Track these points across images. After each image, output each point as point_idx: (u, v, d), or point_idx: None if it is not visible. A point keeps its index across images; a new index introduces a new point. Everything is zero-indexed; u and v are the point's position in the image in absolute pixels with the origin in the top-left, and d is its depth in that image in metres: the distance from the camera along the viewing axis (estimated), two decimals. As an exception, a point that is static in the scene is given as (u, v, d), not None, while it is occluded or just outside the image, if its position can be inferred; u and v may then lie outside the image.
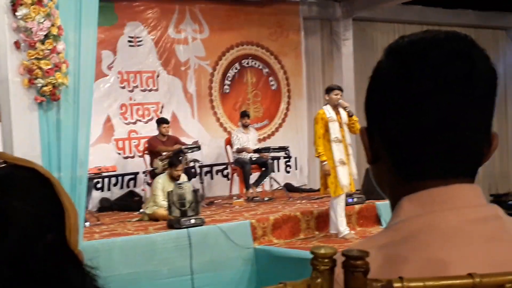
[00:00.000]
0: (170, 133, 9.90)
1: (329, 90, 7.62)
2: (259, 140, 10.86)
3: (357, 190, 8.33)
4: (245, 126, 10.17)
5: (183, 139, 10.24)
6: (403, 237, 0.95)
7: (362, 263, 0.86)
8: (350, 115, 7.41)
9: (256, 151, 9.99)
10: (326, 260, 0.88)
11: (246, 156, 9.95)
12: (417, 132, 0.95)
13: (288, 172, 11.58)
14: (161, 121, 9.61)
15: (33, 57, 5.26)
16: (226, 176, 10.86)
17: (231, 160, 10.29)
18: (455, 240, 0.93)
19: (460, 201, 0.96)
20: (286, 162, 11.53)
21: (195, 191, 7.44)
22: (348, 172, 7.39)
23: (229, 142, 10.34)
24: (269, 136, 11.55)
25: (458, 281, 0.87)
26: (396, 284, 0.86)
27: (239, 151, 9.92)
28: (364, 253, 0.86)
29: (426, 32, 1.00)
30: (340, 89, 7.66)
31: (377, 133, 1.01)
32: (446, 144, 0.95)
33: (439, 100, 0.94)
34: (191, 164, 9.49)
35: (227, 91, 11.27)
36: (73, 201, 1.00)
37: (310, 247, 0.88)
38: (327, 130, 7.38)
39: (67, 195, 0.99)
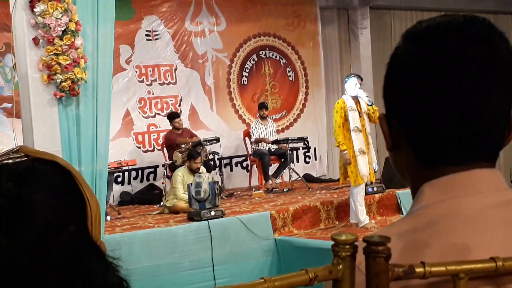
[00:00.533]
0: (187, 127, 9.95)
1: (348, 78, 7.64)
2: (278, 131, 10.85)
3: (377, 180, 8.30)
4: (263, 118, 10.17)
5: (202, 131, 10.28)
6: (425, 223, 0.94)
7: (384, 249, 0.86)
8: (370, 105, 7.39)
9: (274, 142, 9.99)
10: (348, 247, 0.88)
11: (265, 147, 9.96)
12: (437, 118, 0.95)
13: (307, 162, 11.57)
14: (172, 116, 9.61)
15: (51, 53, 5.30)
16: (245, 168, 10.87)
17: (250, 152, 10.29)
18: (478, 225, 0.92)
19: (481, 186, 0.96)
20: (305, 152, 11.51)
21: (213, 183, 7.45)
22: (368, 162, 7.38)
23: (247, 134, 10.35)
24: (287, 127, 11.53)
25: (480, 265, 0.87)
26: (418, 269, 0.86)
27: (257, 141, 9.92)
28: (385, 238, 0.86)
29: (443, 16, 0.99)
30: (359, 77, 7.64)
31: (397, 119, 1.00)
32: (466, 129, 0.95)
33: (458, 84, 0.93)
34: (210, 156, 9.52)
35: (245, 82, 11.27)
36: (93, 192, 1.01)
37: (330, 237, 0.88)
38: (346, 119, 7.37)
39: (88, 187, 0.99)
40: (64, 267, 0.89)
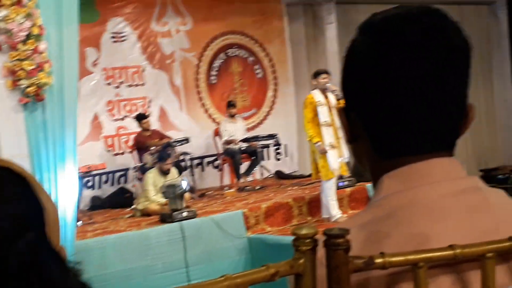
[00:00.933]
0: (158, 128, 9.90)
1: (316, 75, 7.68)
2: (248, 129, 10.85)
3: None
4: (232, 116, 10.17)
5: (173, 132, 10.23)
6: (385, 214, 0.95)
7: (343, 241, 0.86)
8: (338, 99, 7.44)
9: (244, 140, 10.00)
10: (308, 241, 0.89)
11: (235, 146, 9.95)
12: (393, 109, 0.96)
13: (278, 159, 11.58)
14: (140, 117, 9.56)
15: (15, 59, 5.23)
16: (217, 167, 10.85)
17: (221, 151, 10.28)
18: (436, 214, 0.93)
19: (438, 175, 0.97)
20: (276, 149, 11.53)
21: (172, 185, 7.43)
22: (338, 156, 7.43)
23: (217, 133, 10.33)
24: (257, 125, 11.52)
25: (439, 253, 0.88)
26: (377, 260, 0.87)
27: (227, 143, 9.92)
28: (344, 231, 0.87)
29: (398, 7, 1.00)
30: (327, 72, 7.69)
31: (355, 112, 1.01)
32: (424, 119, 0.96)
33: (416, 75, 0.94)
34: (181, 157, 9.48)
35: (214, 81, 11.24)
36: (50, 197, 0.99)
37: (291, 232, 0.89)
38: (316, 114, 7.42)
39: (45, 192, 0.98)
40: (22, 275, 0.88)
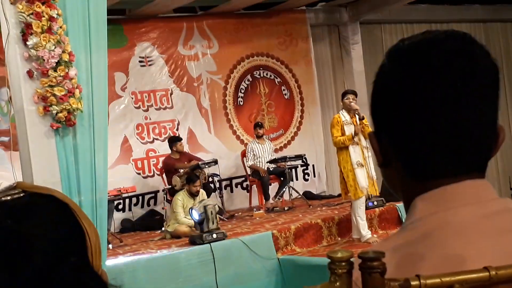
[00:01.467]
0: (186, 150, 9.97)
1: (343, 95, 7.74)
2: (276, 150, 10.87)
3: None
4: (259, 137, 10.20)
5: (201, 154, 10.29)
6: (419, 236, 0.96)
7: (379, 264, 0.87)
8: (360, 119, 7.45)
9: (272, 161, 10.01)
10: (343, 264, 0.90)
11: (263, 166, 9.98)
12: (425, 133, 0.97)
13: (306, 180, 11.56)
14: (174, 140, 9.66)
15: (46, 85, 5.33)
16: (245, 188, 10.85)
17: (249, 172, 10.31)
18: (470, 236, 0.94)
19: (471, 197, 0.97)
20: (304, 170, 11.51)
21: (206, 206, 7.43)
22: (366, 174, 7.41)
23: (245, 155, 10.37)
24: (285, 146, 11.52)
25: (474, 275, 0.88)
26: (413, 282, 0.88)
27: (253, 168, 9.97)
28: (379, 253, 0.88)
29: (425, 33, 1.02)
30: (353, 93, 7.71)
31: (386, 136, 1.02)
32: (455, 142, 0.97)
33: (444, 99, 0.95)
34: (210, 179, 9.52)
35: (241, 103, 11.29)
36: (93, 224, 1.02)
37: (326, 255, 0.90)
38: (343, 133, 7.45)
39: (87, 218, 1.01)
40: None
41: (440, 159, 0.98)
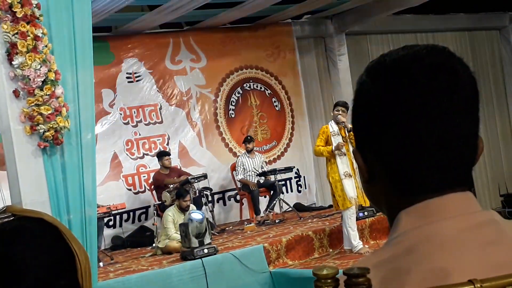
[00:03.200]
0: (178, 164, 9.98)
1: (334, 107, 7.79)
2: (270, 162, 10.90)
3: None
4: (249, 151, 10.21)
5: (193, 168, 10.30)
6: (404, 250, 0.96)
7: (364, 280, 0.87)
8: (348, 131, 7.48)
9: (262, 174, 10.03)
10: (329, 281, 0.90)
11: (253, 179, 9.98)
12: (410, 150, 0.97)
13: (300, 191, 11.56)
14: (162, 154, 9.68)
15: (33, 104, 5.31)
16: (239, 201, 10.86)
17: (239, 186, 10.31)
18: (454, 249, 0.94)
19: (455, 210, 0.98)
20: (297, 182, 11.52)
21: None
22: (354, 185, 7.43)
23: (234, 169, 10.37)
24: (278, 157, 11.54)
25: (459, 288, 0.89)
26: (398, 297, 0.88)
27: (242, 182, 9.98)
28: (364, 269, 0.88)
29: (405, 48, 1.02)
30: (343, 105, 7.72)
31: (371, 153, 1.02)
32: (440, 158, 0.97)
33: (429, 114, 0.96)
34: (203, 192, 9.52)
35: (233, 115, 11.31)
36: (83, 245, 1.02)
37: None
38: (328, 144, 7.48)
39: (76, 240, 1.01)
40: None
41: (425, 174, 0.98)
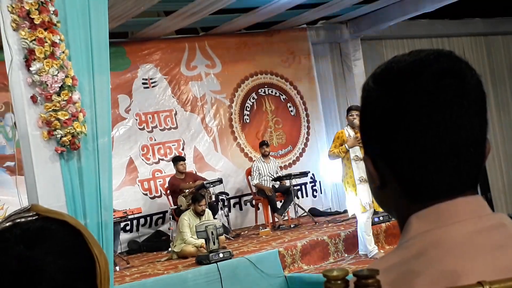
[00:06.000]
0: (194, 170, 10.02)
1: (347, 111, 7.77)
2: (285, 167, 10.90)
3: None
4: (265, 156, 10.22)
5: (209, 173, 10.32)
6: (414, 254, 0.97)
7: (373, 281, 0.89)
8: None
9: (277, 179, 10.04)
10: (339, 282, 0.91)
11: (268, 184, 10.00)
12: (421, 155, 0.98)
13: (315, 196, 11.55)
14: (177, 159, 9.72)
15: (50, 109, 5.35)
16: (254, 206, 10.85)
17: (254, 191, 10.32)
18: (464, 252, 0.95)
19: (465, 213, 0.98)
20: (312, 187, 11.51)
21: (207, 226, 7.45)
22: (369, 190, 7.40)
23: (249, 173, 10.38)
24: (294, 162, 11.54)
25: (469, 290, 0.90)
26: (408, 299, 0.89)
27: (258, 187, 10.00)
28: (374, 271, 0.89)
29: (411, 54, 1.03)
30: (357, 109, 7.70)
31: (381, 159, 1.03)
32: (451, 162, 0.98)
33: (438, 120, 0.97)
34: (219, 197, 9.55)
35: (248, 121, 11.32)
36: (102, 249, 1.04)
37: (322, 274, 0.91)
38: (347, 150, 7.48)
39: (97, 245, 1.02)
40: None
41: (436, 179, 0.99)
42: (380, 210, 7.95)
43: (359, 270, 0.90)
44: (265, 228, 9.53)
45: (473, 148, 0.99)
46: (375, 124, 1.03)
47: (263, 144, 10.31)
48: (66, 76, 5.39)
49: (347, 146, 7.41)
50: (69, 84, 5.41)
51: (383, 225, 8.25)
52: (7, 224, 0.99)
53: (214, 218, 8.64)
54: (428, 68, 0.99)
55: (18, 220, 0.99)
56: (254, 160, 10.55)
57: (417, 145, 0.98)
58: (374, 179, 1.05)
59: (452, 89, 0.97)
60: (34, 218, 1.00)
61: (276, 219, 9.79)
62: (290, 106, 11.73)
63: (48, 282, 0.92)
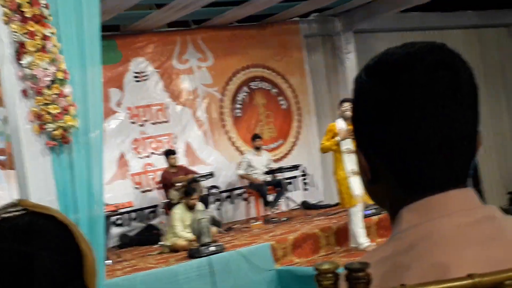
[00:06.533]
0: (185, 163, 10.01)
1: (339, 103, 7.78)
2: (276, 160, 10.89)
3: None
4: (257, 149, 10.22)
5: (200, 166, 10.32)
6: (405, 247, 0.97)
7: (364, 275, 0.89)
8: None
9: (269, 172, 10.05)
10: (329, 275, 0.91)
11: (260, 178, 10.01)
12: (413, 147, 0.98)
13: (306, 190, 11.57)
14: (168, 153, 9.72)
15: (41, 103, 5.33)
16: (246, 199, 10.87)
17: (245, 184, 10.34)
18: (454, 244, 0.95)
19: (455, 206, 0.98)
20: (303, 180, 11.53)
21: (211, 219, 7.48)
22: (361, 183, 7.42)
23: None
24: (285, 155, 11.55)
25: (458, 283, 0.89)
26: (398, 292, 0.89)
27: (244, 178, 10.00)
28: (364, 264, 0.90)
29: (404, 47, 1.02)
30: (350, 101, 7.69)
31: (373, 152, 1.03)
32: (443, 155, 0.98)
33: (431, 113, 0.96)
34: (210, 191, 9.56)
35: (239, 114, 11.33)
36: (90, 245, 1.03)
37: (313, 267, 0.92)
38: (337, 143, 7.49)
39: (85, 240, 1.01)
40: None
41: (428, 172, 0.98)
42: (372, 202, 7.92)
43: (350, 263, 0.90)
44: (257, 222, 9.53)
45: (466, 141, 0.99)
46: (368, 116, 1.02)
47: (256, 137, 10.31)
48: (58, 70, 5.37)
49: (338, 139, 7.42)
50: (61, 77, 5.38)
51: (375, 217, 8.27)
52: None
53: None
54: (421, 60, 0.98)
55: (6, 215, 0.98)
56: (246, 153, 10.55)
57: (409, 137, 0.97)
58: (366, 172, 1.05)
59: (445, 82, 0.97)
60: (22, 213, 0.99)
61: (268, 212, 9.80)
62: (281, 100, 11.73)
63: (45, 277, 0.91)
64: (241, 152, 10.98)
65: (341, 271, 0.92)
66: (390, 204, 1.05)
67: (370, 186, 1.07)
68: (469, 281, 0.89)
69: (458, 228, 0.96)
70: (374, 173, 1.04)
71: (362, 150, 1.05)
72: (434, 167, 0.98)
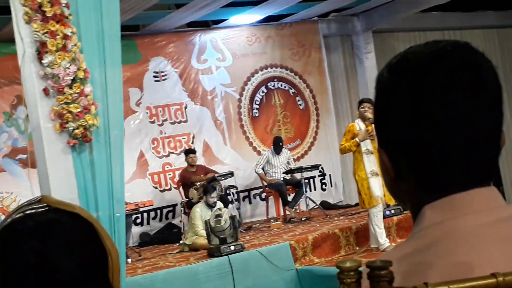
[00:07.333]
0: (203, 163, 10.03)
1: (359, 104, 7.74)
2: (294, 161, 10.87)
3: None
4: (278, 153, 10.25)
5: (218, 166, 10.33)
6: (427, 244, 0.96)
7: (386, 273, 0.88)
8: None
9: (288, 171, 10.05)
10: (352, 273, 0.91)
11: (279, 177, 10.01)
12: (437, 147, 0.97)
13: (324, 190, 11.55)
14: (187, 152, 9.76)
15: (62, 102, 5.37)
16: (264, 199, 10.89)
17: (264, 184, 10.34)
18: (478, 243, 0.94)
19: (479, 204, 0.98)
20: (321, 180, 11.51)
21: (232, 217, 7.49)
22: (381, 183, 7.39)
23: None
24: (302, 156, 11.54)
25: (482, 282, 0.89)
26: (421, 290, 0.89)
27: (261, 177, 10.02)
28: (387, 262, 0.89)
29: (427, 45, 1.02)
30: (369, 101, 7.67)
31: (396, 151, 1.02)
32: (467, 154, 0.97)
33: (454, 112, 0.96)
34: (229, 190, 9.57)
35: (257, 114, 11.34)
36: (113, 242, 1.04)
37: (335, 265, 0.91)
38: (358, 144, 7.45)
39: (108, 237, 1.02)
40: None
41: (451, 171, 0.98)
42: (392, 203, 7.93)
43: (372, 261, 0.90)
44: (276, 221, 9.53)
45: (489, 140, 0.98)
46: (390, 115, 1.02)
47: (279, 140, 10.31)
48: (78, 69, 5.41)
49: (358, 140, 7.40)
50: (81, 76, 5.42)
51: (395, 218, 8.24)
52: (18, 216, 0.98)
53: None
54: (444, 59, 0.98)
55: (29, 212, 0.98)
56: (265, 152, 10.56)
57: (432, 137, 0.97)
58: (389, 170, 1.04)
59: (468, 81, 0.96)
60: (45, 209, 0.99)
61: (287, 212, 9.79)
62: (298, 100, 11.72)
63: (64, 276, 0.91)
64: (259, 153, 11.00)
65: (363, 270, 0.92)
66: (413, 202, 1.05)
67: (393, 184, 1.06)
68: (493, 280, 0.89)
69: (481, 227, 0.96)
70: (397, 172, 1.04)
71: (384, 148, 1.04)
72: (456, 166, 0.98)
